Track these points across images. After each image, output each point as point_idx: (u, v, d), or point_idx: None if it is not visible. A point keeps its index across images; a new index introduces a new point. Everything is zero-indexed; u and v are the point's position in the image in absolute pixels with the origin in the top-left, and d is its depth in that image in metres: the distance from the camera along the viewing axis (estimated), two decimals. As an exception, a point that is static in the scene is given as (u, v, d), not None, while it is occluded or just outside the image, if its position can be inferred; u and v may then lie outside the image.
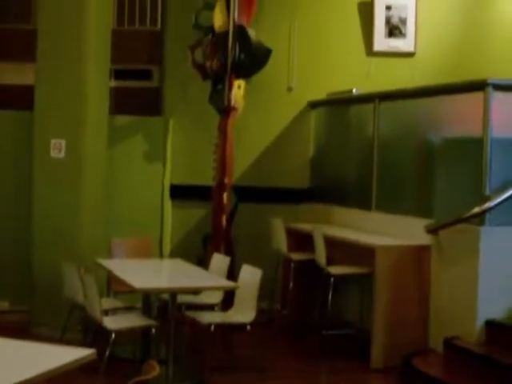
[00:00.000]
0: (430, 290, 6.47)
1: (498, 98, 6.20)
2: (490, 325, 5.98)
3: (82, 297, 5.79)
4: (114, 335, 5.48)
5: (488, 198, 6.02)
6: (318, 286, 7.35)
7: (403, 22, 8.79)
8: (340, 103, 8.49)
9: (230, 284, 6.01)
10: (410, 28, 8.79)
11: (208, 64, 8.01)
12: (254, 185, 8.60)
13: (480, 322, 5.99)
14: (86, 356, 3.50)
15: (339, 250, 7.15)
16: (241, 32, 7.87)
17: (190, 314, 6.08)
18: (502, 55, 8.77)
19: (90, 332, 6.02)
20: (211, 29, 8.02)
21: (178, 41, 8.68)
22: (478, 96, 6.26)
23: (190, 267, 6.51)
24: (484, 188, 6.11)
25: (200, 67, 8.12)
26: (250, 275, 6.02)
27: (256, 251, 7.95)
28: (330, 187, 8.45)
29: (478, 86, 6.28)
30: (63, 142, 7.22)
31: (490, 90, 6.16)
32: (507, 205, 6.03)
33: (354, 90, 8.14)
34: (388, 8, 8.79)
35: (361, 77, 8.65)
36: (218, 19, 7.97)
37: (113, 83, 8.64)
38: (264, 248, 8.02)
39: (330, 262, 7.08)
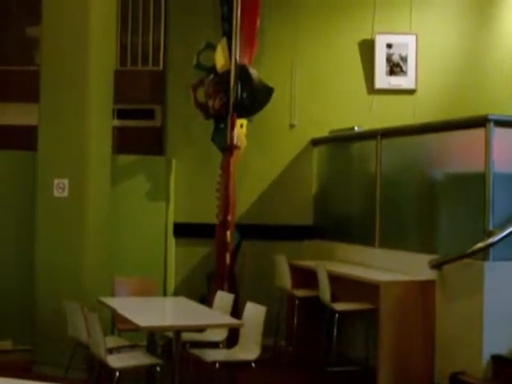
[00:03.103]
0: (435, 326, 6.45)
1: (498, 134, 6.23)
2: (496, 360, 5.96)
3: (86, 335, 5.77)
4: (118, 373, 5.45)
5: (491, 233, 6.04)
6: (322, 323, 7.32)
7: (404, 59, 8.88)
8: (342, 140, 8.53)
9: (234, 321, 5.98)
10: (410, 65, 8.88)
11: (210, 103, 8.06)
12: (258, 222, 8.62)
13: (486, 358, 5.97)
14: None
15: (343, 286, 7.14)
16: (242, 71, 7.94)
17: (195, 351, 6.04)
18: (502, 91, 8.84)
19: (94, 371, 5.99)
20: (213, 68, 8.09)
21: (180, 81, 8.74)
22: (479, 132, 6.31)
23: (193, 305, 6.50)
24: (487, 223, 6.13)
25: (202, 106, 8.18)
26: (254, 312, 6.00)
27: (260, 288, 7.95)
28: (334, 224, 8.47)
29: (479, 122, 6.33)
30: (66, 182, 7.25)
31: (490, 125, 6.22)
32: (511, 239, 6.03)
33: (355, 128, 8.20)
34: (389, 46, 8.88)
35: (363, 114, 8.72)
36: (220, 59, 8.04)
37: (116, 123, 8.69)
38: (268, 285, 8.02)
39: (334, 298, 7.06)
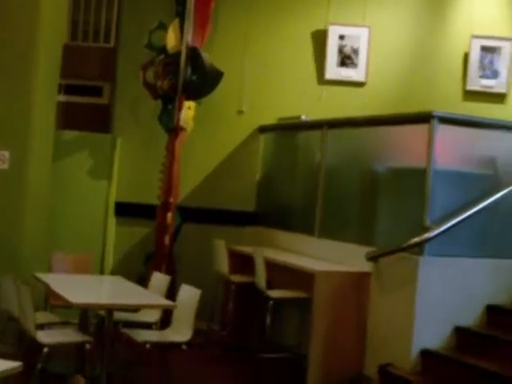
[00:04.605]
0: (367, 317, 6.50)
1: (442, 131, 6.28)
2: (425, 354, 6.03)
3: (18, 309, 5.71)
4: (46, 349, 5.41)
5: (428, 229, 6.08)
6: (257, 309, 7.35)
7: (356, 52, 8.90)
8: (289, 129, 8.56)
9: (167, 303, 5.97)
10: (362, 58, 8.91)
11: (159, 84, 8.02)
12: (200, 206, 8.61)
13: (415, 351, 6.03)
14: (11, 369, 3.45)
15: (280, 273, 7.15)
16: (193, 53, 7.91)
17: (127, 331, 6.02)
18: (451, 87, 8.93)
19: (23, 345, 5.93)
20: (164, 49, 8.04)
21: (130, 59, 8.67)
22: (423, 128, 6.34)
23: (129, 285, 6.47)
24: (425, 218, 6.17)
25: (151, 87, 8.13)
26: (189, 295, 6.00)
27: (199, 272, 7.95)
28: (276, 211, 8.50)
29: (424, 118, 6.36)
30: (7, 154, 7.15)
31: (434, 122, 6.25)
32: (446, 236, 6.10)
33: (302, 117, 8.21)
34: (341, 38, 8.90)
35: (312, 104, 8.74)
36: (171, 40, 8.00)
37: (63, 98, 8.61)
38: (207, 269, 8.02)
39: (271, 285, 7.08)
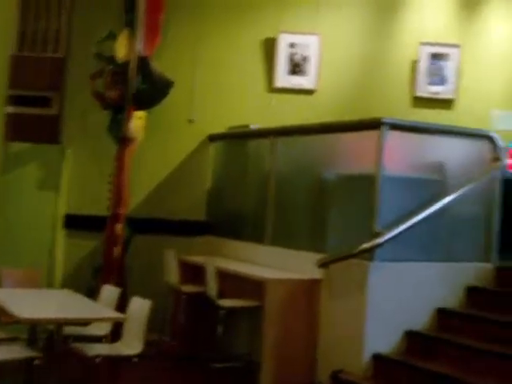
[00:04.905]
0: (318, 324, 6.50)
1: (391, 137, 6.32)
2: (377, 358, 6.05)
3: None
4: (-7, 366, 5.33)
5: (378, 235, 6.11)
6: (208, 319, 7.31)
7: (306, 59, 8.93)
8: (238, 137, 8.56)
9: (117, 315, 5.90)
10: (312, 66, 8.93)
11: (108, 94, 7.95)
12: (151, 216, 8.55)
13: (367, 356, 6.06)
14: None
15: (232, 283, 7.13)
16: (143, 63, 7.86)
17: (77, 345, 5.94)
18: (400, 94, 9.00)
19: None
20: (113, 59, 7.98)
21: (80, 69, 8.58)
22: (372, 134, 6.37)
23: (78, 298, 6.39)
24: (374, 224, 6.20)
25: (100, 96, 8.06)
26: (139, 307, 5.94)
27: (150, 283, 7.88)
28: (226, 220, 8.48)
29: (374, 125, 6.40)
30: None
31: (384, 128, 6.28)
32: (396, 241, 6.13)
33: (251, 126, 8.22)
34: (291, 46, 8.92)
35: (262, 112, 8.75)
36: (121, 49, 7.94)
37: (11, 109, 8.50)
38: (158, 280, 7.96)
39: (222, 294, 7.05)
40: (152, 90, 7.93)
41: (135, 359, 5.74)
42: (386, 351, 6.10)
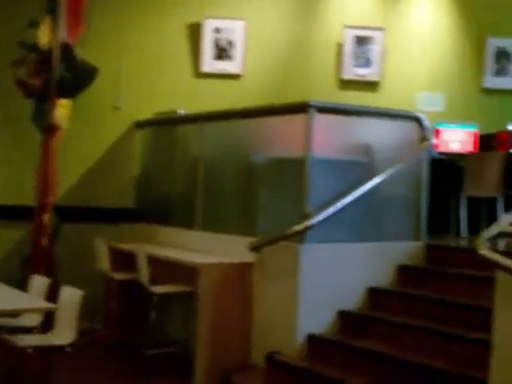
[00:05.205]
0: (252, 307, 6.50)
1: (319, 120, 6.34)
2: (311, 339, 6.09)
3: None
4: None
5: (308, 217, 6.14)
6: (142, 306, 7.26)
7: (231, 44, 8.91)
8: (166, 123, 8.50)
9: (47, 305, 5.81)
10: (237, 51, 8.92)
11: (31, 82, 7.80)
12: (79, 205, 8.44)
13: (301, 337, 6.09)
14: None
15: (164, 269, 7.09)
16: (66, 51, 7.73)
17: (7, 337, 5.83)
18: (326, 77, 9.06)
19: None
20: (36, 46, 7.83)
21: (2, 58, 8.39)
22: (300, 118, 6.39)
23: (6, 289, 6.25)
24: (305, 206, 6.22)
25: (23, 85, 7.89)
26: (70, 296, 5.86)
27: (80, 272, 7.76)
28: (156, 207, 8.42)
29: (301, 108, 6.41)
30: None
31: (312, 111, 6.30)
32: (327, 223, 6.17)
33: (179, 111, 8.17)
34: (217, 31, 8.89)
35: (189, 98, 8.71)
36: (43, 37, 7.80)
37: None
38: (89, 268, 7.86)
39: (155, 281, 7.01)
40: (76, 77, 7.81)
41: (68, 349, 5.67)
42: (319, 331, 6.14)
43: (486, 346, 4.83)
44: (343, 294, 6.33)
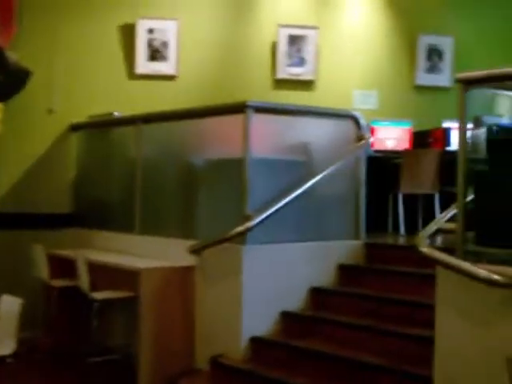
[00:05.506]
0: (195, 311, 6.48)
1: (256, 120, 6.34)
2: (255, 341, 6.09)
3: None
4: None
5: (249, 217, 6.14)
6: (82, 313, 7.16)
7: (165, 45, 8.85)
8: (102, 126, 8.39)
9: (-14, 315, 5.70)
10: (172, 51, 8.87)
11: (-38, 87, 7.64)
12: (15, 211, 8.27)
13: (245, 339, 6.08)
14: None
15: (104, 274, 7.00)
16: (-2, 53, 7.58)
17: None
18: (261, 78, 9.07)
19: None
20: (-34, 50, 7.66)
21: None
22: (237, 118, 6.37)
23: None
24: (245, 208, 6.22)
25: (-47, 89, 7.72)
26: (10, 305, 5.73)
27: (19, 280, 7.65)
28: (94, 211, 8.31)
29: (238, 108, 6.40)
30: None
31: (249, 112, 6.30)
32: (267, 223, 6.17)
33: (115, 113, 8.09)
34: (150, 31, 8.82)
35: (124, 99, 8.62)
36: (-27, 40, 7.63)
37: None
38: (27, 276, 7.72)
39: (95, 287, 6.91)
40: (9, 80, 7.66)
41: (9, 359, 5.57)
42: (263, 333, 6.15)
43: (428, 343, 4.90)
44: (286, 295, 6.35)
